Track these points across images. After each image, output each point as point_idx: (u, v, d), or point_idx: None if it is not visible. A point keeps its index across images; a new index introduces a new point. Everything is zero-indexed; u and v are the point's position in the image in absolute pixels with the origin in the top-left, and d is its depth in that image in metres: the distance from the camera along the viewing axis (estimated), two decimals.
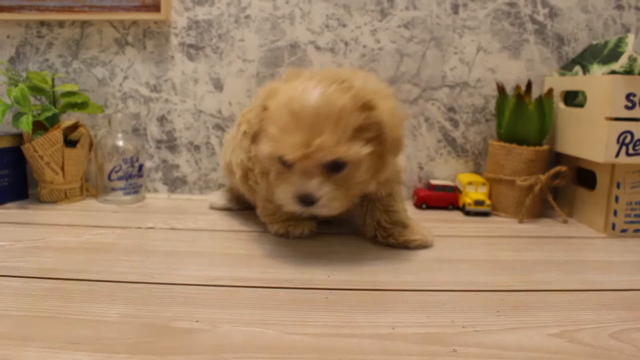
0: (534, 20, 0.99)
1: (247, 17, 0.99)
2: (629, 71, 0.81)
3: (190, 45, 1.00)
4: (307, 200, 0.63)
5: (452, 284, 0.61)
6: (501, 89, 0.94)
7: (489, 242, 0.79)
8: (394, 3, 0.98)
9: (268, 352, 0.45)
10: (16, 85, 0.88)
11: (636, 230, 0.83)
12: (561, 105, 0.93)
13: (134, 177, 0.96)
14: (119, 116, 0.96)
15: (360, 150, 0.61)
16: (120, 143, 0.94)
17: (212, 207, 0.94)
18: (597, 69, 0.88)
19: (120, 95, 1.02)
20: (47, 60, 1.01)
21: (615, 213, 0.83)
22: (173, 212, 0.91)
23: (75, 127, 0.96)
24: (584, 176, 0.92)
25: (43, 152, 0.90)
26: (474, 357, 0.45)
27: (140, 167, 0.97)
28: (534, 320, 0.52)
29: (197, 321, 0.50)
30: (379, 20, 0.99)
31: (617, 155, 0.79)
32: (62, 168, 0.92)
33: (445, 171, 1.04)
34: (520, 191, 0.91)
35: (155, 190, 1.05)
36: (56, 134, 0.90)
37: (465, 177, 0.97)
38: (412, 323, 0.51)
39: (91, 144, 0.98)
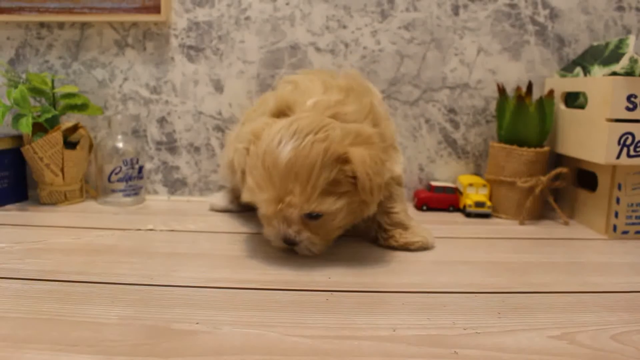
0: (534, 22, 0.99)
1: (247, 18, 0.99)
2: (629, 72, 0.81)
3: (191, 47, 1.00)
4: (289, 242, 0.67)
5: (453, 285, 0.61)
6: (502, 91, 0.94)
7: (489, 243, 0.79)
8: (395, 4, 0.98)
9: (268, 354, 0.44)
10: (16, 87, 0.88)
11: (637, 232, 0.83)
12: (562, 106, 0.93)
13: (134, 179, 0.95)
14: (119, 118, 0.96)
15: (332, 205, 0.62)
16: (120, 145, 0.94)
17: (212, 209, 0.94)
18: (597, 71, 0.88)
19: (120, 97, 1.02)
20: (47, 61, 1.01)
21: (616, 215, 0.83)
22: (173, 213, 0.91)
23: (75, 128, 0.96)
24: (585, 178, 0.92)
25: (43, 153, 0.90)
26: (475, 359, 0.45)
27: (140, 168, 0.97)
28: (534, 322, 0.52)
29: (197, 323, 0.50)
30: (380, 22, 0.99)
31: (618, 156, 0.79)
32: (62, 170, 0.92)
33: (446, 173, 1.04)
34: (520, 193, 0.91)
35: (155, 192, 1.05)
36: (56, 136, 0.90)
37: (465, 179, 0.96)
38: (412, 325, 0.51)
39: (91, 146, 0.98)
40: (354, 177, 0.62)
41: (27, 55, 1.01)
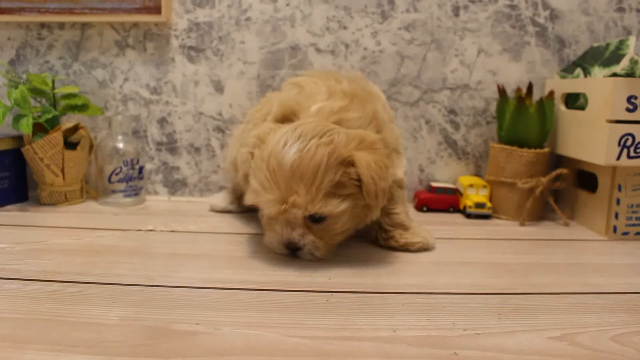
0: (534, 23, 0.99)
1: (248, 19, 0.99)
2: (630, 74, 0.80)
3: (191, 48, 1.00)
4: (292, 247, 0.67)
5: (453, 286, 0.61)
6: (502, 92, 0.94)
7: (489, 244, 0.79)
8: (395, 5, 0.98)
9: (269, 355, 0.45)
10: (16, 87, 0.88)
11: (637, 233, 0.83)
12: (562, 107, 0.93)
13: (134, 179, 0.95)
14: (119, 118, 0.96)
15: (336, 206, 0.62)
16: (121, 145, 0.94)
17: (213, 210, 0.94)
18: (598, 72, 0.88)
19: (120, 98, 1.02)
20: (47, 62, 1.01)
21: (616, 216, 0.83)
22: (173, 214, 0.91)
23: (75, 129, 0.96)
24: (585, 179, 0.92)
25: (43, 154, 0.90)
26: None
27: (141, 169, 0.97)
28: (534, 323, 0.52)
29: (197, 324, 0.50)
30: (380, 23, 0.99)
31: (619, 157, 0.79)
32: (62, 170, 0.92)
33: (446, 173, 1.04)
34: (521, 194, 0.91)
35: (156, 193, 1.05)
36: (56, 136, 0.90)
37: (466, 180, 0.96)
38: (412, 326, 0.51)
39: (91, 146, 0.98)
40: (358, 180, 0.62)
41: (28, 55, 1.01)
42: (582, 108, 0.87)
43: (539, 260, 0.72)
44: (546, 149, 0.92)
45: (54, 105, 0.94)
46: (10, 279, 0.59)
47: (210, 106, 1.01)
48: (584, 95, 0.87)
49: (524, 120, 0.90)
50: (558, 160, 0.97)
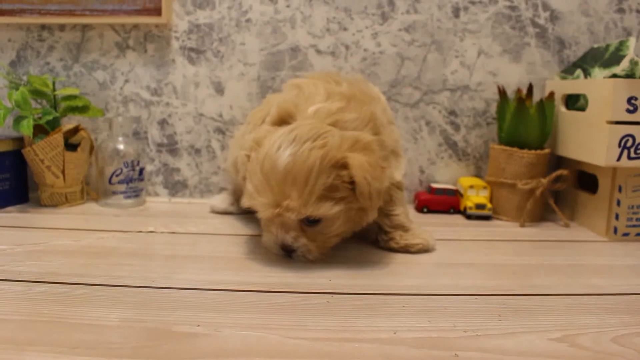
0: (535, 24, 0.99)
1: (248, 20, 0.99)
2: (630, 75, 0.81)
3: (191, 49, 1.00)
4: (287, 249, 0.67)
5: (454, 288, 0.61)
6: (502, 93, 0.94)
7: (490, 245, 0.79)
8: (395, 7, 0.98)
9: (269, 357, 0.45)
10: (17, 89, 0.88)
11: (638, 234, 0.83)
12: (562, 108, 0.93)
13: (134, 181, 0.96)
14: (120, 120, 0.96)
15: (329, 209, 0.62)
16: (121, 146, 0.94)
17: (213, 211, 0.94)
18: (598, 73, 0.88)
19: (121, 99, 1.02)
20: (48, 63, 1.01)
21: (617, 217, 0.83)
22: (174, 215, 0.91)
23: (76, 130, 0.96)
24: (586, 180, 0.92)
25: (44, 155, 0.90)
26: None
27: (141, 170, 0.97)
28: (535, 324, 0.52)
29: (198, 325, 0.50)
30: (380, 24, 0.99)
31: (619, 158, 0.79)
32: (63, 172, 0.92)
33: (447, 175, 1.04)
34: (521, 195, 0.91)
35: (156, 194, 1.05)
36: (57, 138, 0.90)
37: (466, 181, 0.97)
38: (413, 327, 0.51)
39: (92, 148, 0.98)
40: (352, 183, 0.62)
41: (28, 57, 1.01)
42: (583, 109, 0.87)
43: (540, 261, 0.72)
44: (546, 150, 0.92)
45: (55, 106, 0.94)
46: (10, 281, 0.59)
47: (211, 107, 1.02)
48: (584, 96, 0.87)
49: (524, 121, 0.90)
50: (558, 162, 0.97)
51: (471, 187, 0.94)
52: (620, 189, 0.82)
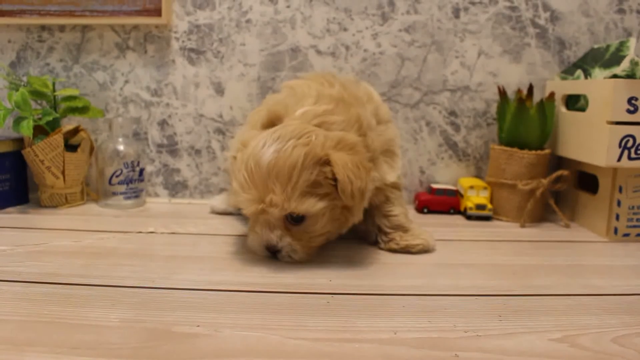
0: (535, 24, 0.99)
1: (248, 21, 0.99)
2: (630, 75, 0.81)
3: (191, 50, 1.00)
4: (271, 249, 0.67)
5: (454, 288, 0.61)
6: (502, 93, 0.94)
7: (490, 246, 0.79)
8: (395, 7, 0.98)
9: (269, 357, 0.44)
10: (17, 90, 0.88)
11: (638, 235, 0.83)
12: (563, 109, 0.93)
13: (134, 182, 0.96)
14: (120, 120, 0.96)
15: (313, 205, 0.63)
16: (121, 147, 0.94)
17: (213, 212, 0.94)
18: (598, 73, 0.88)
19: (121, 100, 1.02)
20: (47, 64, 1.01)
21: (617, 217, 0.83)
22: (174, 216, 0.91)
23: (76, 131, 0.96)
24: (586, 180, 0.92)
25: (44, 156, 0.90)
26: None
27: (141, 171, 0.97)
28: (535, 325, 0.52)
29: (198, 326, 0.50)
30: (380, 25, 0.99)
31: (619, 159, 0.79)
32: (63, 172, 0.92)
33: (447, 175, 1.04)
34: (521, 195, 0.91)
35: (156, 195, 1.05)
36: (57, 139, 0.90)
37: (466, 181, 0.96)
38: (413, 328, 0.51)
39: (92, 148, 0.98)
40: (335, 180, 0.62)
41: (28, 58, 1.01)
42: (583, 109, 0.87)
43: (540, 261, 0.72)
44: (547, 151, 0.92)
45: (55, 107, 0.94)
46: (10, 282, 0.59)
47: (211, 108, 1.02)
48: (585, 96, 0.87)
49: (524, 121, 0.90)
50: (559, 162, 0.97)
51: (471, 187, 0.94)
52: (620, 190, 0.82)
